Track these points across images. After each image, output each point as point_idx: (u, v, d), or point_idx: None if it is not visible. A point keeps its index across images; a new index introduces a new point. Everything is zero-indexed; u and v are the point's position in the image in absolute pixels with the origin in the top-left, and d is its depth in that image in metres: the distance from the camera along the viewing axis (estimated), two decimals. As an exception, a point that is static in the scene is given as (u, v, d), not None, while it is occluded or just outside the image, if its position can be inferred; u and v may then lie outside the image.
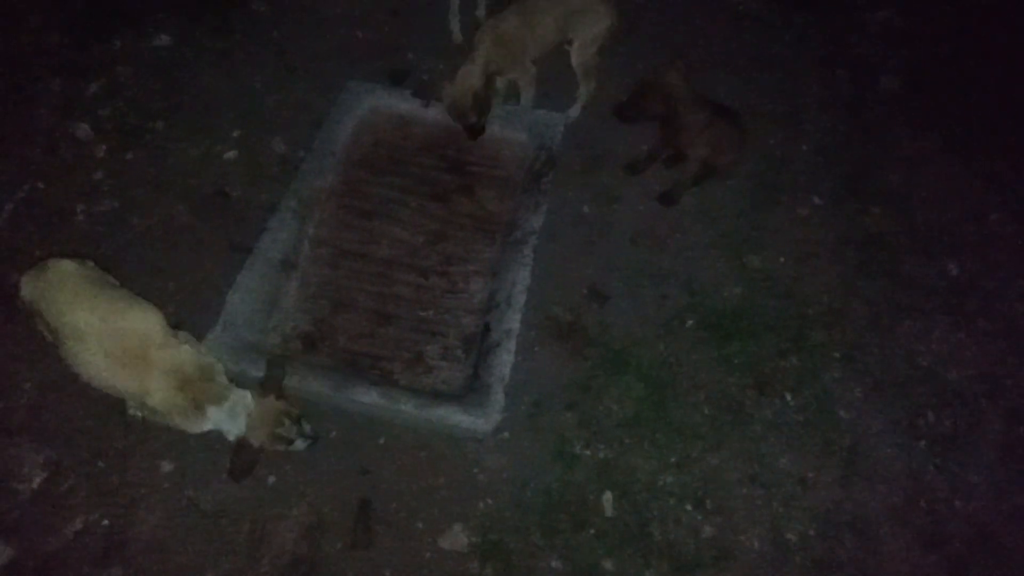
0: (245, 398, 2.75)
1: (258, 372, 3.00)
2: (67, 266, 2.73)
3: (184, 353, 2.68)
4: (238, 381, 3.00)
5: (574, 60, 3.89)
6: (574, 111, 4.09)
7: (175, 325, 3.21)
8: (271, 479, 3.00)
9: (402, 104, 3.93)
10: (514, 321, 3.21)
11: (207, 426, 2.74)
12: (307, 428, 2.84)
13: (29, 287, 2.72)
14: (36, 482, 2.95)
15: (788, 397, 3.35)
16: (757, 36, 4.71)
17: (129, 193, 3.74)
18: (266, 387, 2.77)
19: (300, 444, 2.83)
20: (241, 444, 2.74)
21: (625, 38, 4.57)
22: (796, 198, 3.99)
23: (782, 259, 3.77)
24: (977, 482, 3.18)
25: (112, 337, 2.60)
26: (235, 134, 4.00)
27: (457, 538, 2.92)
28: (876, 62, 4.64)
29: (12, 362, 3.21)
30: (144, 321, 2.66)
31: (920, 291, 3.71)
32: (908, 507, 3.11)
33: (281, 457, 3.00)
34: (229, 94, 4.17)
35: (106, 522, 2.89)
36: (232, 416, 2.73)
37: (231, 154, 3.93)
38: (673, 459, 3.16)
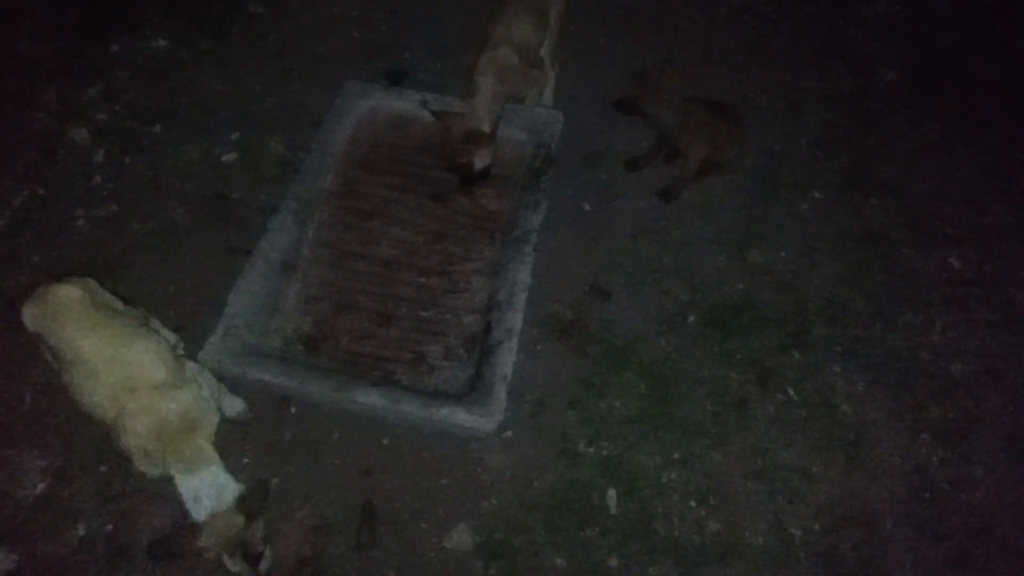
0: (220, 488, 2.51)
1: (260, 375, 3.01)
2: (69, 292, 2.62)
3: (171, 404, 2.51)
4: (239, 384, 3.02)
5: (543, 49, 3.88)
6: (547, 99, 4.09)
7: (176, 328, 3.23)
8: (275, 481, 2.99)
9: (401, 104, 3.92)
10: (515, 320, 3.21)
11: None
12: (263, 565, 2.61)
13: (31, 317, 2.62)
14: (38, 488, 2.95)
15: (791, 392, 3.34)
16: (755, 30, 4.70)
17: (128, 197, 3.74)
18: (243, 507, 2.51)
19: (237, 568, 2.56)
20: (191, 530, 2.48)
21: (624, 33, 4.58)
22: (796, 192, 3.99)
23: (783, 253, 3.77)
24: (980, 475, 3.18)
25: (114, 371, 2.51)
26: (234, 136, 4.00)
27: (461, 538, 2.92)
28: (875, 55, 4.63)
29: (13, 368, 3.21)
30: (147, 355, 2.57)
31: (921, 283, 3.71)
32: (912, 500, 3.11)
33: (283, 459, 3.02)
34: (227, 96, 4.16)
35: (110, 527, 2.89)
36: (195, 498, 2.50)
37: (230, 156, 3.93)
38: (676, 455, 3.16)
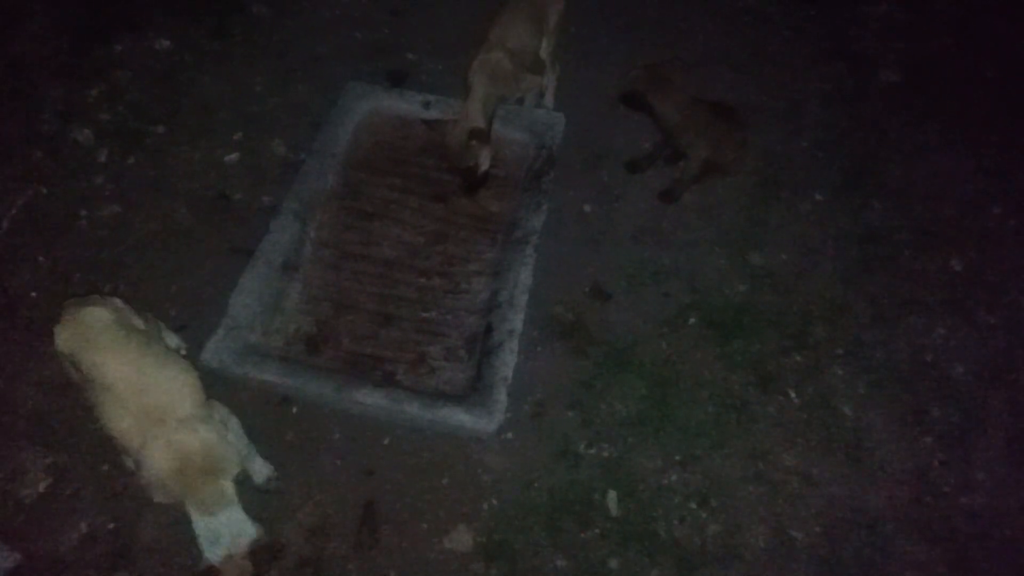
0: (239, 530, 2.50)
1: (261, 375, 3.02)
2: (100, 314, 2.60)
3: (196, 439, 2.48)
4: (241, 385, 3.02)
5: (544, 52, 3.88)
6: (548, 100, 4.10)
7: (178, 328, 3.23)
8: (276, 481, 3.00)
9: (402, 105, 3.93)
10: (516, 321, 3.22)
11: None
12: None
13: (63, 340, 2.59)
14: (41, 487, 2.96)
15: (792, 394, 3.34)
16: (756, 31, 4.70)
17: (131, 197, 3.75)
18: (255, 555, 2.51)
19: None
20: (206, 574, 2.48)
21: (625, 34, 4.58)
22: (797, 194, 3.98)
23: (784, 255, 3.76)
24: (982, 477, 3.18)
25: (142, 398, 2.49)
26: (236, 137, 4.01)
27: (462, 538, 2.92)
28: (876, 56, 4.62)
29: (15, 366, 3.22)
30: (175, 385, 2.54)
31: (922, 286, 3.70)
32: (913, 503, 3.11)
33: (284, 459, 3.02)
34: (229, 97, 4.17)
35: (112, 525, 2.89)
36: (212, 539, 2.48)
37: (232, 157, 3.93)
38: (677, 457, 3.16)
